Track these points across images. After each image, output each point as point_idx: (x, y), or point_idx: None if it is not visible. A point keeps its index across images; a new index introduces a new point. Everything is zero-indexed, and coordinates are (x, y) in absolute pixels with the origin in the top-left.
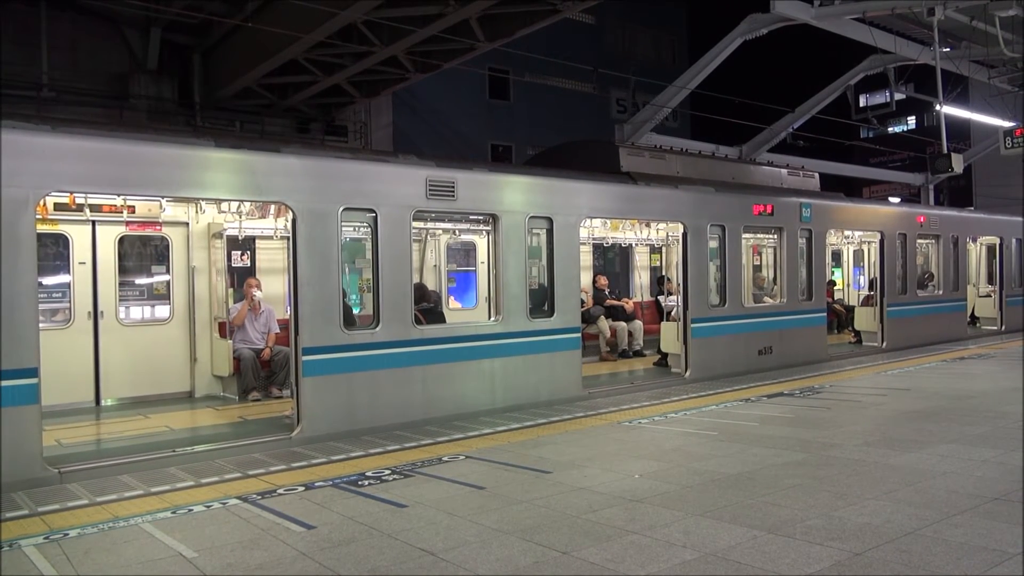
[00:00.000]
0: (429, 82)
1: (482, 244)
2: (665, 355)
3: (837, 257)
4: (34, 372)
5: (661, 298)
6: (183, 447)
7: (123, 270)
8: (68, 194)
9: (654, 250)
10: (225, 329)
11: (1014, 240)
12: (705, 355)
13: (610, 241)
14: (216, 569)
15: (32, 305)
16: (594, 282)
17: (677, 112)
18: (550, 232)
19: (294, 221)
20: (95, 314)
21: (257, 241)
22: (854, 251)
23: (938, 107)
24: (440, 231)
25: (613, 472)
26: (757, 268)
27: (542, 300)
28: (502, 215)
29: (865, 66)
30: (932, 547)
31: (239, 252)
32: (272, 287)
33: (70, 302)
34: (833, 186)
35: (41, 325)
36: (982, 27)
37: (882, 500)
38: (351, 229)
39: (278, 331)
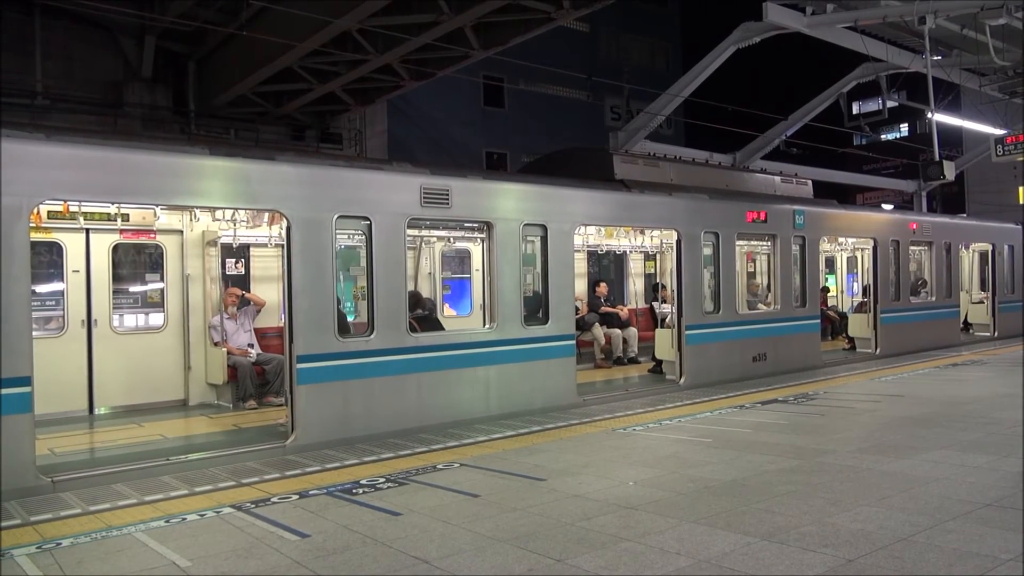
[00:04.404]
0: (424, 90)
1: (477, 251)
2: (660, 362)
3: (831, 264)
4: (27, 381)
5: (655, 305)
6: (177, 455)
7: (117, 278)
8: (62, 202)
9: (648, 257)
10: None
11: (1006, 246)
12: (699, 362)
13: (604, 248)
14: None
15: (25, 313)
16: (593, 289)
17: (671, 120)
18: (544, 239)
19: (288, 229)
20: (89, 322)
21: (251, 249)
22: (847, 258)
23: (930, 115)
24: (435, 238)
25: (608, 479)
26: (751, 275)
27: (537, 307)
28: (496, 222)
29: (857, 74)
30: (925, 553)
31: (233, 260)
32: (267, 295)
33: (64, 310)
34: (826, 193)
35: (35, 333)
36: (973, 36)
37: (875, 506)
38: (345, 237)
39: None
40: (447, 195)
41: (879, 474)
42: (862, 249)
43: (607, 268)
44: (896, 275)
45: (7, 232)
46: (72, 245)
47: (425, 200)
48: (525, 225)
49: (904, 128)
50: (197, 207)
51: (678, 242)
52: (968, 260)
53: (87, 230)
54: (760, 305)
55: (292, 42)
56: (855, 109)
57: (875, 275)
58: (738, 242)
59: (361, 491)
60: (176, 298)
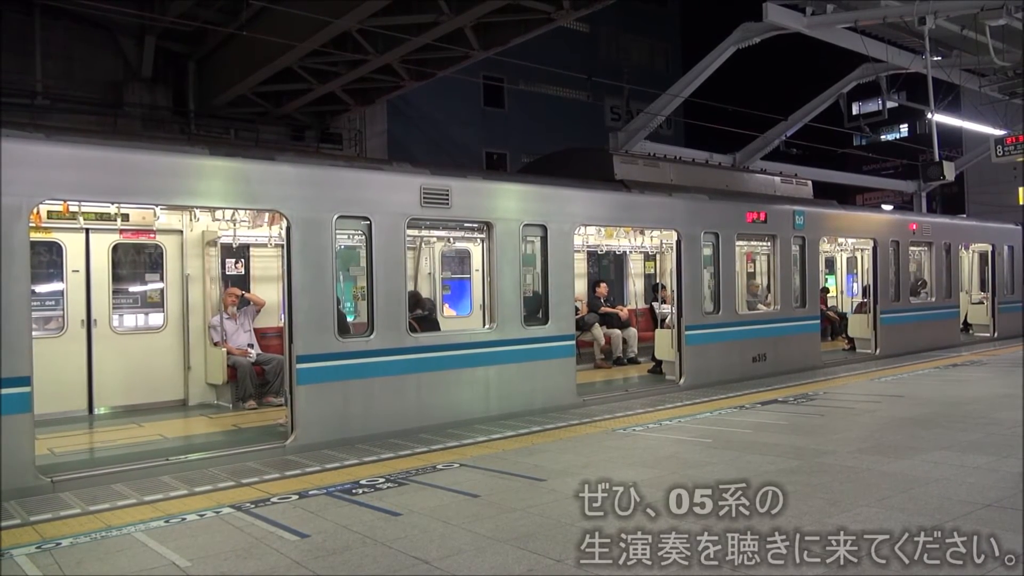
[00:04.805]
0: (424, 90)
1: (476, 252)
2: (659, 362)
3: (831, 264)
4: (27, 380)
5: (655, 305)
6: (177, 456)
7: (117, 278)
8: (62, 202)
9: (648, 257)
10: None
11: (1006, 247)
12: (699, 362)
13: (604, 249)
14: None
15: (25, 313)
16: (593, 289)
17: (671, 120)
18: (544, 240)
19: (288, 229)
20: (88, 322)
21: (251, 249)
22: (847, 258)
23: (930, 115)
24: (434, 239)
25: (607, 480)
26: (751, 275)
27: (536, 307)
28: (496, 223)
29: (857, 74)
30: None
31: (233, 260)
32: (267, 295)
33: (63, 310)
34: (826, 194)
35: (34, 333)
36: (973, 36)
37: (875, 507)
38: (345, 237)
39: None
40: (447, 195)
41: (879, 474)
42: (862, 250)
43: (607, 268)
44: (896, 276)
45: (7, 232)
46: (72, 245)
47: (425, 200)
48: (525, 225)
49: (904, 129)
50: (197, 207)
51: (678, 242)
52: (968, 261)
53: (87, 230)
54: (760, 305)
55: (292, 42)
56: (855, 110)
57: (875, 276)
58: (738, 242)
59: (361, 491)
60: (176, 298)
